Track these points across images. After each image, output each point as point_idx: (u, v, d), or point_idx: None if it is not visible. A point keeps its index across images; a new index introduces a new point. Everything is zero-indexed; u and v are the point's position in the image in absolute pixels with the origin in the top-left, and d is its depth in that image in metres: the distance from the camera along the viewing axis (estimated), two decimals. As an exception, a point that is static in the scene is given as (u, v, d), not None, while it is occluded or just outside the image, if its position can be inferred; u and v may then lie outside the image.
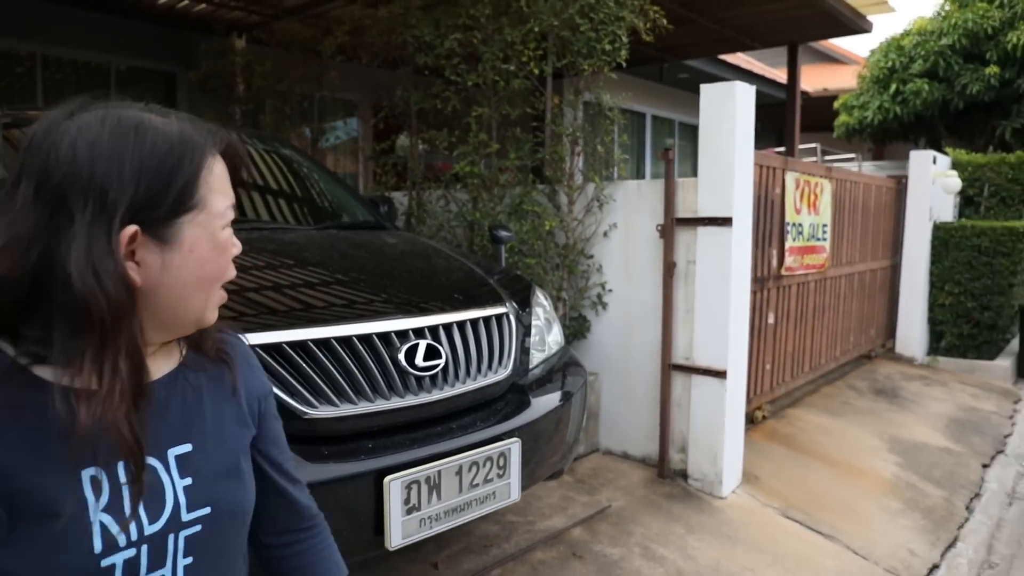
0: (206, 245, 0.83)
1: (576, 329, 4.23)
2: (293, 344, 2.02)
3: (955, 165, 7.37)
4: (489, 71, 4.07)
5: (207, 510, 0.86)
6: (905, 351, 6.95)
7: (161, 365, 0.88)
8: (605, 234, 4.19)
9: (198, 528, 0.86)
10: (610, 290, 4.20)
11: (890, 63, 9.89)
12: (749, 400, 4.31)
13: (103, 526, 0.78)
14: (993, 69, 8.95)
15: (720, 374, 3.75)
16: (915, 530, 3.70)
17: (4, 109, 3.14)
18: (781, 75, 11.40)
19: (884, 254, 6.73)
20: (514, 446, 2.33)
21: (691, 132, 12.00)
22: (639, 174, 10.60)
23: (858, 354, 6.41)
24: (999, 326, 6.66)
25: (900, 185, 6.91)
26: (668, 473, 3.95)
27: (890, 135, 10.64)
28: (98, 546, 0.77)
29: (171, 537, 0.83)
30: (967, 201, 7.51)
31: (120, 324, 0.75)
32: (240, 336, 1.04)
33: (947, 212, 7.23)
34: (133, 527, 0.80)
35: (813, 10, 6.52)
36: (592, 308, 4.23)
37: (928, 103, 9.46)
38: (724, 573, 3.08)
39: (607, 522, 3.41)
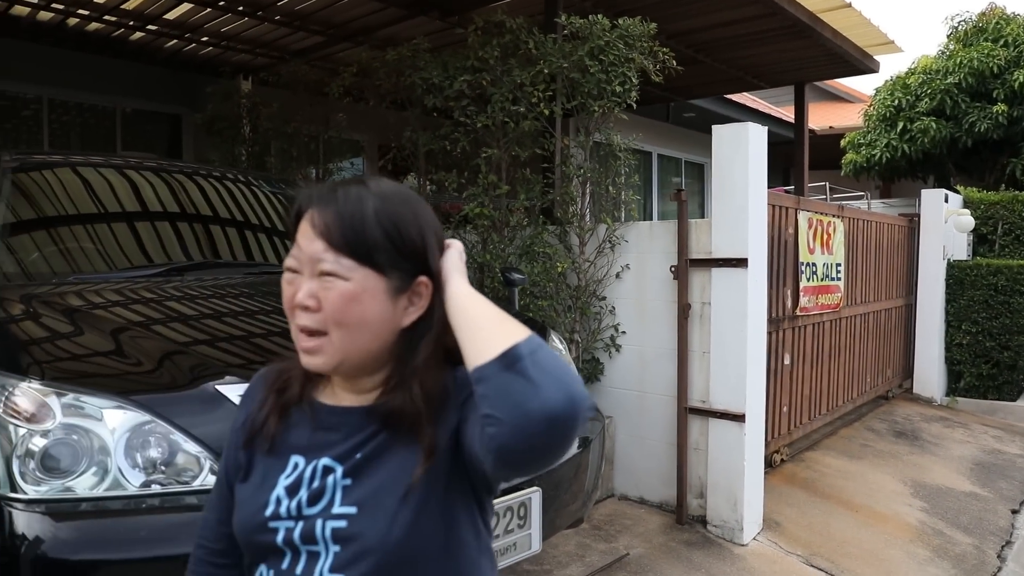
0: None
1: (590, 372, 4.14)
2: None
3: (967, 203, 7.32)
4: (498, 112, 4.06)
5: (353, 510, 0.95)
6: (923, 392, 6.82)
7: (356, 399, 1.02)
8: (617, 275, 4.13)
9: (343, 524, 0.94)
10: (623, 332, 4.12)
11: (896, 101, 9.91)
12: (766, 443, 4.20)
13: (278, 498, 0.98)
14: (1001, 107, 8.95)
15: (738, 417, 3.65)
16: (945, 581, 3.55)
17: (12, 153, 3.13)
18: (786, 113, 11.46)
19: (898, 293, 6.65)
20: (535, 495, 2.24)
21: (697, 171, 12.03)
22: (646, 214, 10.59)
23: (875, 395, 6.28)
24: (1019, 366, 6.53)
25: (912, 223, 6.85)
26: (686, 519, 3.83)
27: (898, 173, 10.62)
28: (269, 510, 0.98)
29: (320, 522, 0.95)
30: (980, 239, 7.44)
31: None
32: (460, 380, 1.00)
33: (961, 250, 7.16)
34: (295, 505, 0.97)
35: (820, 50, 6.55)
36: (605, 350, 4.15)
37: (936, 141, 9.45)
38: (748, 629, 2.95)
39: (626, 571, 3.29)
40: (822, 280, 5.01)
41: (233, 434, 1.10)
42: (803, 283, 4.70)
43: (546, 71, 3.96)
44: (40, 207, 3.00)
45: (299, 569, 0.96)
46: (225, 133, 6.03)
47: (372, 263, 0.94)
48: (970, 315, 6.70)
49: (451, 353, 0.97)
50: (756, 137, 3.68)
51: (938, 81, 9.42)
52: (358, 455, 0.98)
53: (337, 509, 0.95)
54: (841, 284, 5.31)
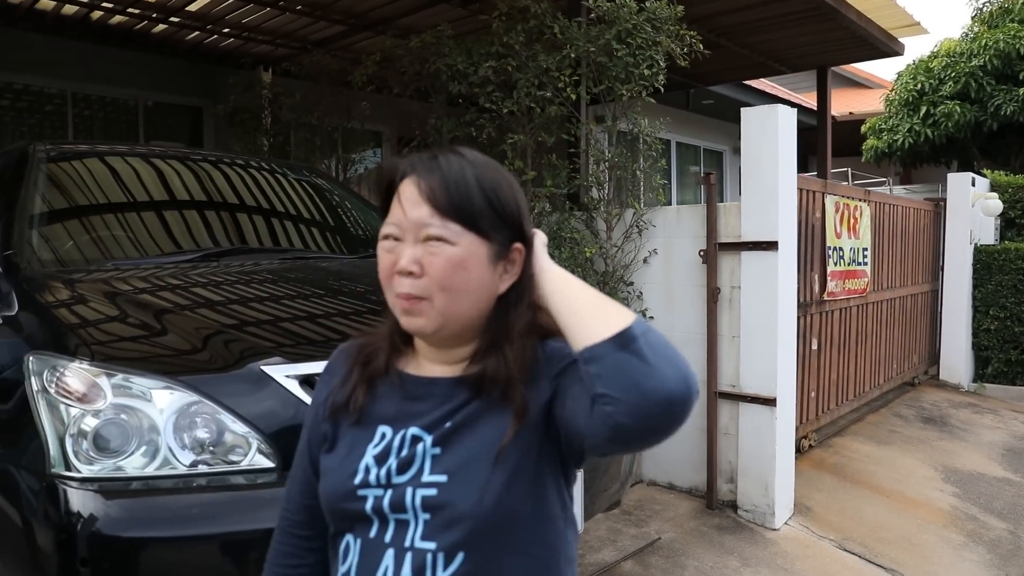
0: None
1: (617, 357, 4.13)
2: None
3: (994, 187, 7.23)
4: (524, 98, 4.05)
5: (443, 478, 0.95)
6: (950, 378, 6.75)
7: (445, 370, 1.02)
8: (645, 260, 4.12)
9: (433, 492, 0.94)
10: (651, 317, 4.11)
11: (919, 85, 9.79)
12: (795, 429, 4.18)
13: (367, 467, 0.99)
14: (1028, 89, 8.83)
15: (769, 401, 3.64)
16: (982, 564, 3.52)
17: (45, 143, 3.15)
18: (805, 99, 11.35)
19: (924, 278, 6.58)
20: (578, 476, 2.24)
21: (716, 159, 11.95)
22: (665, 201, 10.53)
23: (901, 381, 6.23)
24: (1049, 351, 6.45)
25: (938, 208, 6.77)
26: (717, 504, 3.82)
27: (921, 158, 10.50)
28: (359, 478, 0.99)
29: (410, 490, 0.95)
30: (1008, 223, 7.34)
31: (385, 307, 1.03)
32: (550, 353, 1.01)
33: (988, 235, 7.07)
34: (383, 473, 0.97)
35: (844, 33, 6.47)
36: (633, 335, 4.14)
37: (960, 125, 9.32)
38: (784, 611, 2.95)
39: (658, 555, 3.29)
40: (849, 265, 4.97)
41: (314, 407, 1.12)
42: (830, 268, 4.66)
43: (572, 55, 3.94)
44: (74, 196, 3.02)
45: (387, 537, 0.97)
46: (247, 124, 6.05)
47: (477, 228, 0.96)
48: (998, 300, 6.62)
49: (536, 325, 1.00)
50: (785, 119, 3.65)
51: (962, 64, 9.29)
52: (447, 424, 0.98)
53: (427, 477, 0.95)
54: (868, 269, 5.27)
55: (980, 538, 3.80)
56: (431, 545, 0.94)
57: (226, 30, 6.44)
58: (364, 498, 0.98)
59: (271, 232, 3.36)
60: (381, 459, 0.99)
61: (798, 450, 4.46)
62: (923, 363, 6.70)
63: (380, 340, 1.07)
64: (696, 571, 3.17)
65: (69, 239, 2.85)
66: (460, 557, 0.93)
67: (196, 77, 7.18)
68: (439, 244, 0.94)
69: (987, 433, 5.44)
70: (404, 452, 0.98)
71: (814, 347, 4.58)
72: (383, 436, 1.01)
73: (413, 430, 0.99)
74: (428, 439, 0.98)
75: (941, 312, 6.83)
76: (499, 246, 0.98)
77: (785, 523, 3.70)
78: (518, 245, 0.99)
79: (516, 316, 1.00)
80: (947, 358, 6.81)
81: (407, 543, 0.95)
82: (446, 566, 0.93)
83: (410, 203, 0.96)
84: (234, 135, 6.24)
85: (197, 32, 6.45)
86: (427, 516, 0.95)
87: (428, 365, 1.04)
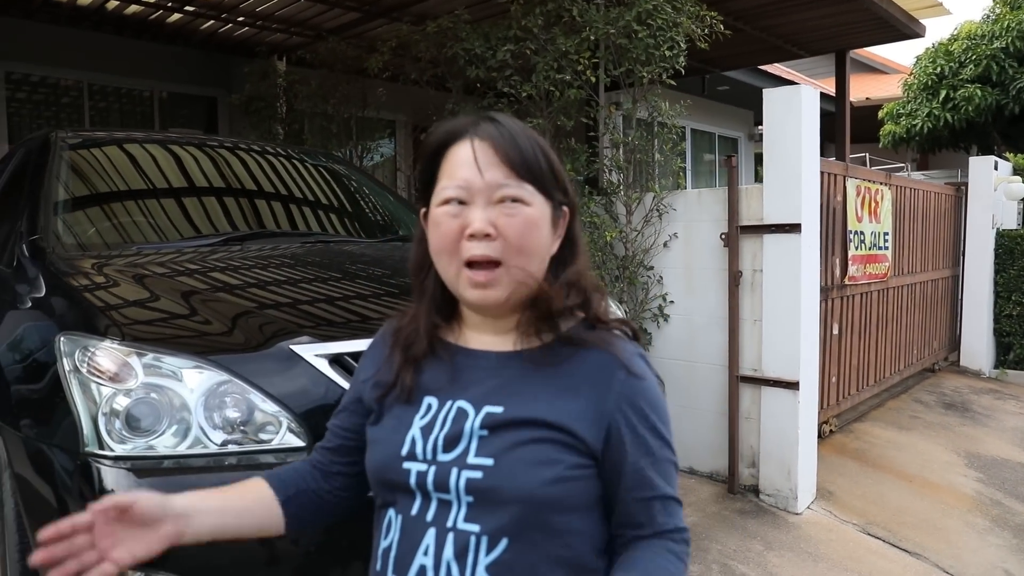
0: (430, 219, 0.99)
1: (637, 342, 4.12)
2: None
3: (1016, 171, 7.13)
4: (543, 81, 4.02)
5: (490, 462, 0.93)
6: (971, 364, 6.69)
7: (493, 341, 1.02)
8: (665, 244, 4.10)
9: (479, 475, 0.93)
10: (671, 301, 4.09)
11: (938, 69, 9.64)
12: (817, 413, 4.15)
13: (413, 439, 0.98)
14: (1051, 72, 8.69)
15: (792, 385, 3.61)
16: (1008, 549, 3.49)
17: (68, 131, 3.17)
18: (822, 85, 11.24)
19: (945, 264, 6.51)
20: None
21: (730, 146, 11.86)
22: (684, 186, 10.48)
23: (921, 367, 6.18)
24: (1071, 337, 6.38)
25: (959, 192, 6.69)
26: (738, 489, 3.81)
27: (940, 143, 10.36)
28: (405, 449, 0.98)
29: (454, 471, 0.94)
30: (1030, 208, 7.25)
31: (420, 280, 1.05)
32: (623, 350, 1.00)
33: (1011, 219, 6.98)
34: (429, 448, 0.97)
35: (864, 15, 6.38)
36: (653, 320, 4.13)
37: (981, 109, 9.18)
38: (810, 593, 2.93)
39: (681, 540, 3.28)
40: (870, 249, 4.92)
41: (355, 384, 1.15)
42: (851, 252, 4.62)
43: (592, 38, 3.91)
44: (96, 182, 3.03)
45: (429, 516, 0.96)
46: (262, 113, 6.06)
47: (544, 189, 0.97)
48: (1020, 286, 6.54)
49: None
50: (809, 100, 3.61)
51: (984, 46, 9.14)
52: (495, 404, 0.97)
53: (472, 459, 0.94)
54: (888, 253, 5.22)
55: (1005, 523, 3.77)
56: (475, 528, 0.93)
57: (240, 19, 6.43)
58: (408, 471, 0.97)
59: (290, 217, 3.37)
60: (427, 431, 0.98)
61: (819, 435, 4.43)
62: (943, 349, 6.64)
63: (417, 321, 1.06)
64: (720, 554, 3.16)
65: (92, 224, 2.86)
66: (503, 543, 0.92)
67: (210, 67, 7.19)
68: (515, 205, 0.94)
69: (1010, 419, 5.39)
70: (449, 427, 0.97)
71: (835, 332, 4.54)
72: (429, 407, 1.01)
73: (460, 403, 0.98)
74: (475, 416, 0.97)
75: (962, 298, 6.76)
76: (555, 208, 0.99)
77: (808, 507, 3.68)
78: (566, 208, 1.02)
79: (567, 277, 1.00)
80: (968, 344, 6.74)
81: (449, 524, 0.94)
82: (489, 551, 0.92)
83: (485, 164, 0.94)
84: (249, 124, 6.25)
85: (211, 21, 6.45)
86: (470, 499, 0.94)
87: (475, 336, 1.04)
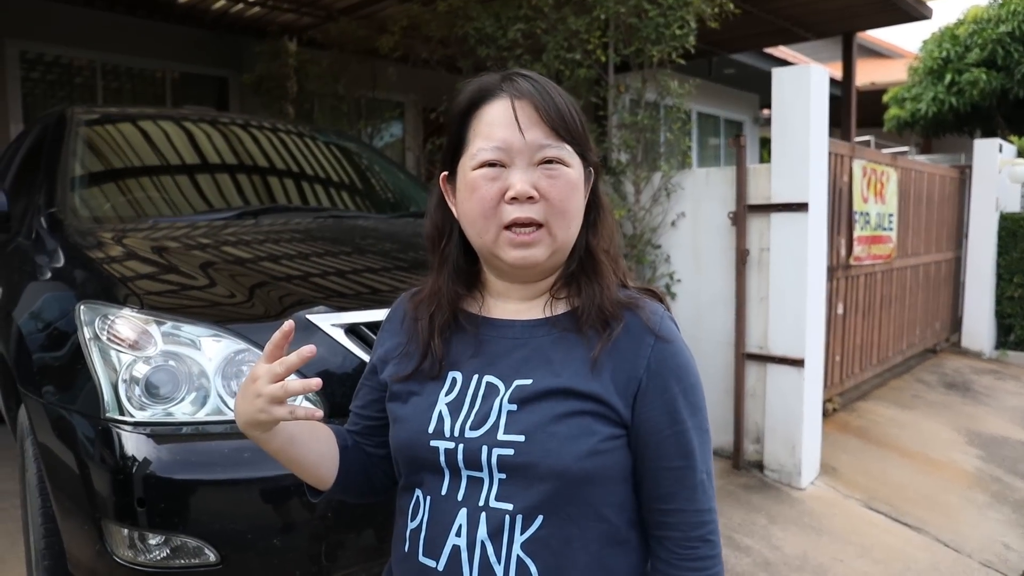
0: (462, 183, 0.95)
1: (643, 320, 4.15)
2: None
3: (1021, 154, 7.13)
4: (553, 61, 4.03)
5: (521, 438, 0.90)
6: (972, 345, 6.73)
7: (519, 310, 0.99)
8: (673, 223, 4.12)
9: (510, 452, 0.90)
10: (678, 280, 4.12)
11: (944, 53, 9.61)
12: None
13: (440, 415, 0.95)
14: (1056, 56, 8.66)
15: (797, 363, 3.65)
16: (1007, 524, 3.54)
17: (85, 107, 3.19)
18: (827, 69, 11.18)
19: (948, 246, 6.53)
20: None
21: (735, 129, 11.83)
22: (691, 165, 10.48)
23: (923, 348, 6.22)
24: (1073, 319, 6.40)
25: (963, 175, 6.70)
26: (743, 464, 3.86)
27: (944, 127, 10.34)
28: (432, 427, 0.95)
29: (484, 448, 0.91)
30: (1034, 190, 7.25)
31: (441, 248, 1.02)
32: (653, 313, 0.96)
33: (1013, 202, 6.99)
34: (458, 426, 0.94)
35: (871, -4, 6.36)
36: (659, 299, 4.15)
37: (986, 93, 9.16)
38: (812, 563, 2.98)
39: (686, 514, 3.33)
40: (875, 230, 4.94)
41: (372, 361, 1.12)
42: (857, 232, 4.64)
43: (602, 17, 3.91)
44: (111, 157, 3.06)
45: (460, 495, 0.93)
46: (273, 93, 6.06)
47: (580, 150, 0.94)
48: (1022, 268, 6.56)
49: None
50: (818, 80, 3.62)
51: (989, 30, 9.10)
52: (524, 375, 0.93)
53: (502, 436, 0.91)
54: (893, 235, 5.24)
55: (1005, 498, 3.82)
56: (508, 507, 0.90)
57: (251, -1, 6.42)
58: (436, 449, 0.94)
59: (302, 192, 3.40)
60: (455, 408, 0.95)
61: (823, 414, 4.48)
62: (945, 330, 6.67)
63: (438, 291, 1.02)
64: (725, 528, 3.21)
65: (108, 198, 2.89)
66: (539, 520, 0.90)
67: (221, 47, 7.19)
68: (557, 167, 0.91)
69: (1010, 399, 5.43)
70: (479, 404, 0.94)
71: (839, 312, 4.58)
72: (454, 382, 0.97)
73: (489, 377, 0.95)
74: (505, 391, 0.93)
75: (964, 279, 6.79)
76: (585, 168, 0.97)
77: (811, 483, 3.73)
78: (591, 169, 0.99)
79: (597, 239, 0.99)
80: (969, 325, 6.78)
81: (481, 502, 0.91)
82: (524, 529, 0.90)
83: (526, 123, 0.90)
84: (260, 104, 6.26)
85: (222, 1, 6.44)
86: (503, 476, 0.90)
87: (500, 305, 1.00)
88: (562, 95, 0.94)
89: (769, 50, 9.57)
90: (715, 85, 10.70)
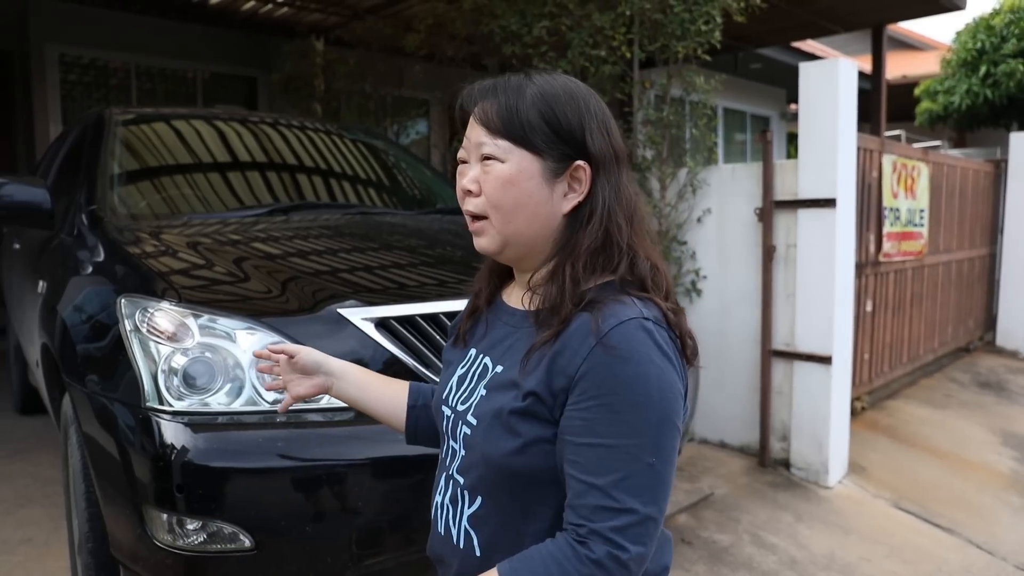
0: None
1: (669, 317, 4.15)
2: (426, 317, 2.05)
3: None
4: (578, 57, 4.04)
5: (475, 422, 0.99)
6: (1007, 344, 6.61)
7: (520, 299, 1.03)
8: (699, 220, 4.11)
9: (468, 431, 0.99)
10: (704, 276, 4.12)
11: (979, 44, 9.42)
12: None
13: (451, 386, 1.07)
14: (1097, 47, 8.45)
15: (825, 360, 3.63)
16: (1041, 524, 3.49)
17: (123, 108, 3.27)
18: (857, 63, 11.02)
19: (981, 242, 6.42)
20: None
21: (762, 124, 11.72)
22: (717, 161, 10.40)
23: (955, 346, 6.13)
24: (1111, 316, 6.26)
25: (998, 169, 6.58)
26: (769, 462, 3.84)
27: (979, 120, 10.13)
28: (444, 394, 1.08)
29: (460, 423, 1.02)
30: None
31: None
32: (608, 318, 0.90)
33: (1051, 197, 6.83)
34: (453, 397, 1.05)
35: (903, -12, 6.25)
36: (686, 295, 4.16)
37: (1023, 85, 8.97)
38: (840, 563, 2.97)
39: (712, 509, 3.34)
40: (905, 226, 4.88)
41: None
42: (886, 228, 4.59)
43: (627, 13, 3.91)
44: (148, 156, 3.14)
45: (447, 460, 1.06)
46: (301, 92, 6.15)
47: (527, 144, 0.94)
48: (1060, 265, 6.43)
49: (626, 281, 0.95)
50: (847, 73, 3.60)
51: (1026, 21, 8.91)
52: (500, 361, 1.00)
53: (470, 417, 0.99)
54: (924, 231, 5.17)
55: (1040, 499, 3.76)
56: (461, 480, 1.00)
57: (279, -1, 6.51)
58: (443, 415, 1.08)
59: (331, 190, 3.45)
60: (460, 381, 1.06)
61: (851, 412, 4.44)
62: (979, 329, 6.57)
63: (479, 277, 1.14)
64: (751, 525, 3.21)
65: (144, 196, 2.96)
66: (479, 499, 0.98)
67: (250, 48, 7.30)
68: (491, 163, 0.96)
69: (1047, 398, 5.34)
70: (473, 382, 1.03)
71: (868, 309, 4.53)
72: (469, 357, 1.08)
73: (485, 359, 1.04)
74: (491, 372, 1.01)
75: (999, 276, 6.67)
76: (555, 162, 0.95)
77: (839, 482, 3.71)
78: (581, 163, 0.96)
79: (582, 236, 0.95)
80: (1004, 324, 6.66)
81: (450, 471, 1.03)
82: (470, 503, 0.99)
83: (471, 126, 1.00)
84: (289, 102, 6.35)
85: (252, 2, 6.54)
86: (464, 452, 1.00)
87: (513, 292, 1.07)
88: (512, 93, 0.96)
89: (797, 44, 9.45)
90: (741, 80, 10.60)
